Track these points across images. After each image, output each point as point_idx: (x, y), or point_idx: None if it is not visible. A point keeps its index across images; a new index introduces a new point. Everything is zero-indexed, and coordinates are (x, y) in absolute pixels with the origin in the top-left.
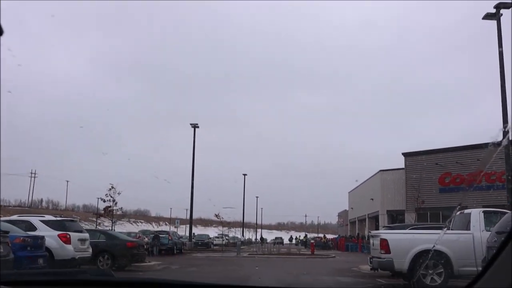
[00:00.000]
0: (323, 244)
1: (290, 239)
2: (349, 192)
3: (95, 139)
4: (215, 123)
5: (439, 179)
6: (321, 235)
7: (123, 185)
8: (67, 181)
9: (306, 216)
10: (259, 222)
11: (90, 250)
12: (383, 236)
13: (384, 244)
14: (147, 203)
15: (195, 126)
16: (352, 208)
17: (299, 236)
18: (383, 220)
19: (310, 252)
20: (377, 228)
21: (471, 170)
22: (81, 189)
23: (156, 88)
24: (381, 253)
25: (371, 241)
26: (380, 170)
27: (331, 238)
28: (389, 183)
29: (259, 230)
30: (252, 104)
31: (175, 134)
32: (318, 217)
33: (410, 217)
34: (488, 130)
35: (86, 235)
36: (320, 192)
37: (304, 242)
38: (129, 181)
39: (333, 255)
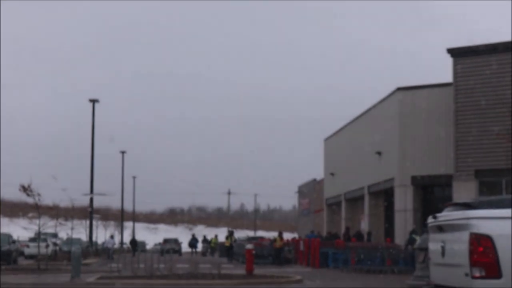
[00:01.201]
0: (277, 253)
1: (191, 243)
2: (325, 141)
3: None
4: None
5: None
6: (267, 234)
7: None
8: None
9: (229, 193)
10: (128, 207)
11: None
12: (479, 228)
13: (483, 250)
14: None
15: None
16: (332, 175)
17: (215, 236)
18: (404, 196)
19: (244, 272)
20: (389, 219)
21: None
22: None
23: None
24: (474, 275)
25: (432, 244)
26: (398, 88)
27: (292, 240)
28: (417, 116)
29: (130, 223)
30: None
31: None
32: (255, 195)
33: (464, 189)
34: None
35: None
36: (258, 149)
37: (229, 249)
38: None
39: (298, 277)
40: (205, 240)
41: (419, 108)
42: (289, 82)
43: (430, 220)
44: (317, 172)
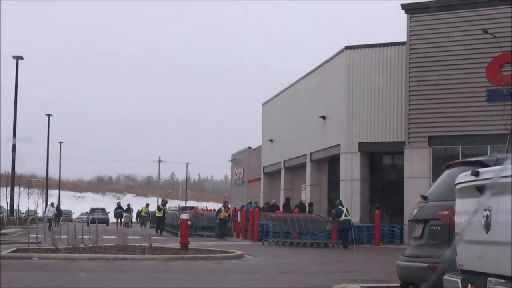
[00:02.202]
0: (221, 225)
1: (117, 212)
2: (264, 105)
3: None
4: None
5: (488, 69)
6: (198, 204)
7: None
8: None
9: (160, 161)
10: (54, 175)
11: None
12: None
13: None
14: None
15: None
16: (271, 141)
17: (146, 205)
18: (350, 164)
19: (178, 245)
20: (333, 189)
21: None
22: None
23: None
24: None
25: (465, 213)
26: (347, 47)
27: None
28: (367, 77)
29: (55, 191)
30: None
31: None
32: (187, 164)
33: (417, 157)
34: None
35: None
36: (191, 116)
37: (161, 220)
38: None
39: (239, 252)
40: (128, 210)
41: (369, 68)
42: (223, 45)
43: (466, 178)
44: (255, 140)
